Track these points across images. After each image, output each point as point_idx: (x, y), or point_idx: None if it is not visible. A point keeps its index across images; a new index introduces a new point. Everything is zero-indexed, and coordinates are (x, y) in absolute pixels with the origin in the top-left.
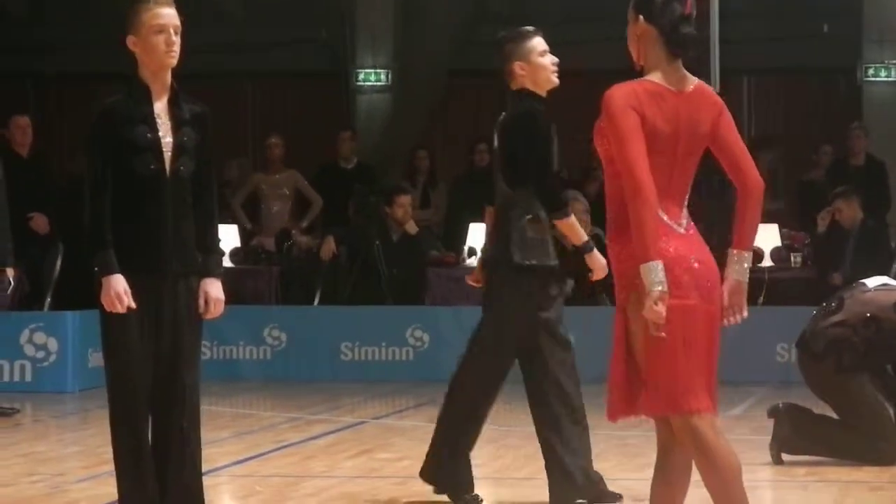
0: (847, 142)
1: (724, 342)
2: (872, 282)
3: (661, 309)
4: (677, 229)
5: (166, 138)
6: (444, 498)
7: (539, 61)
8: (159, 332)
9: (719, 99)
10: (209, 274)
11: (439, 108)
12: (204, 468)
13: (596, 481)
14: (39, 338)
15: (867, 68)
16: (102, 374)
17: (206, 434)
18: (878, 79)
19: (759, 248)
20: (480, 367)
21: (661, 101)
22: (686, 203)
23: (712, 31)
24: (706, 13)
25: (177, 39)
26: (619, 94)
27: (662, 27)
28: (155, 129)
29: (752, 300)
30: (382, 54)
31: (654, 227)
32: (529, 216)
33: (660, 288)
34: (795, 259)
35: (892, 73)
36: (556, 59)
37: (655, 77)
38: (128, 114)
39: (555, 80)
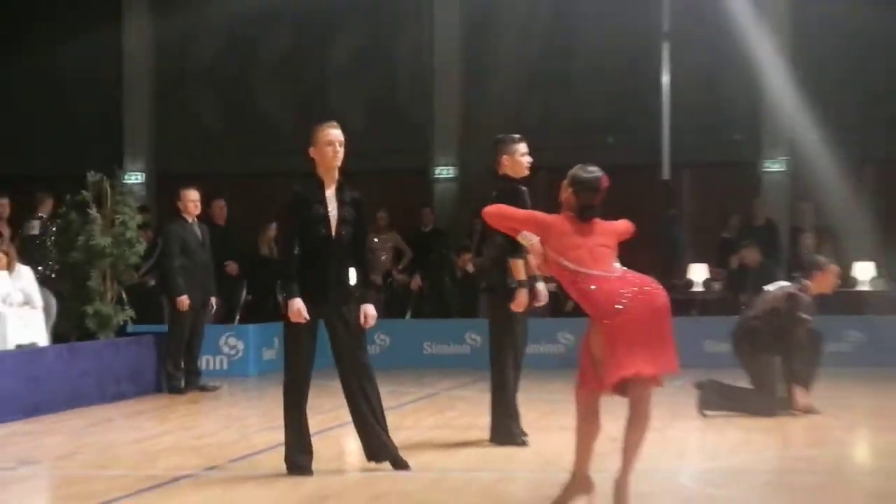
0: None
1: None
2: (772, 286)
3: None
4: (609, 275)
5: (333, 213)
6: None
7: (520, 158)
8: (338, 338)
9: (616, 224)
10: (367, 301)
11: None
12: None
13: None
14: (231, 341)
15: None
16: (274, 363)
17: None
18: None
19: None
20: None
21: (573, 224)
22: (613, 263)
23: None
24: None
25: (341, 150)
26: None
27: (578, 203)
28: (326, 208)
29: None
30: (451, 155)
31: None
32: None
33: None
34: None
35: None
36: (530, 159)
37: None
38: (308, 197)
39: (527, 171)
